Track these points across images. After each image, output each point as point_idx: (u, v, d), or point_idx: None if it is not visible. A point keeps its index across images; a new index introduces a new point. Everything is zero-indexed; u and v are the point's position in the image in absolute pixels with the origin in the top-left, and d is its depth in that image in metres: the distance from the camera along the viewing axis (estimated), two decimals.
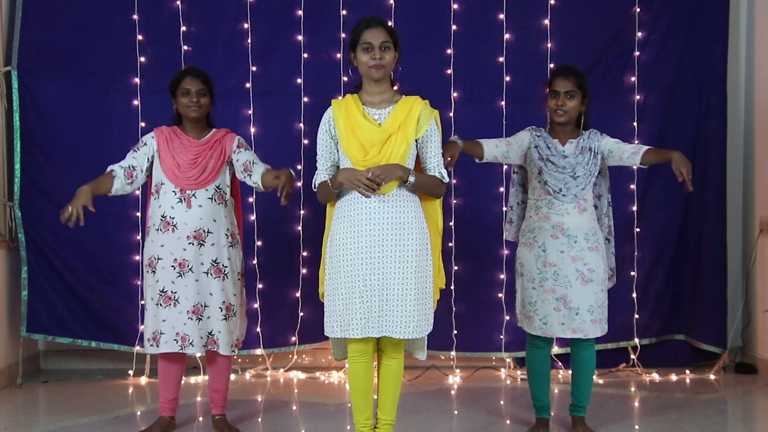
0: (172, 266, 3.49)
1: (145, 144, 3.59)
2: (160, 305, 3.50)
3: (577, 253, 3.47)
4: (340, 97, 3.34)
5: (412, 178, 3.03)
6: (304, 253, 4.74)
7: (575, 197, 3.47)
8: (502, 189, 4.76)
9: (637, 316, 4.82)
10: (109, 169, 3.57)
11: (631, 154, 3.48)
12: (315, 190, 3.19)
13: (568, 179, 3.48)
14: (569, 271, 3.47)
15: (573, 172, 3.48)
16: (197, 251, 3.49)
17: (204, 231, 3.50)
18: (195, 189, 3.50)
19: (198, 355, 3.58)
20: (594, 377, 4.31)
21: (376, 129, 3.06)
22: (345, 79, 4.67)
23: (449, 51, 4.76)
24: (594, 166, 3.50)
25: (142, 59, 4.67)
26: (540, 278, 3.51)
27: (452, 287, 4.74)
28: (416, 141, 3.11)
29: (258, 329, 4.73)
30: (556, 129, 3.57)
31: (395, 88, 3.20)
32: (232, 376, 4.74)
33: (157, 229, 3.52)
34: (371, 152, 3.03)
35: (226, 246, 3.54)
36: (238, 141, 3.63)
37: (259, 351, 4.77)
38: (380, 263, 3.02)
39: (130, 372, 4.72)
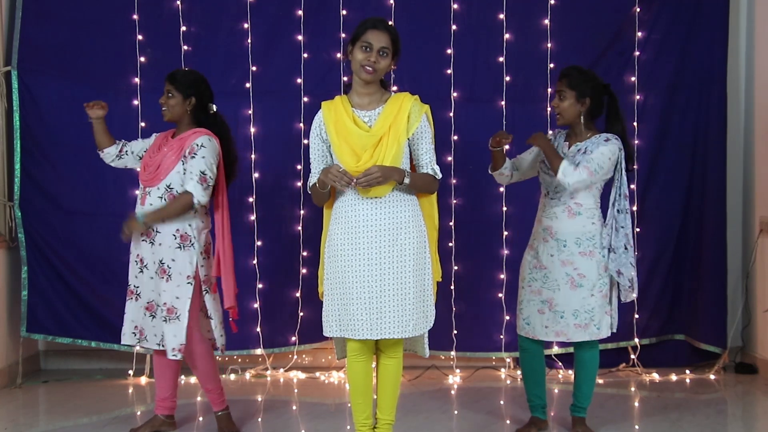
0: (135, 261, 3.56)
1: (149, 137, 3.75)
2: (127, 298, 3.58)
3: (567, 258, 3.46)
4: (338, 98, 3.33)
5: (407, 180, 3.04)
6: (304, 253, 4.74)
7: (565, 202, 3.46)
8: (502, 189, 4.76)
9: (637, 316, 4.82)
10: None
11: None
12: (310, 193, 3.20)
13: (557, 181, 3.47)
14: (559, 275, 3.47)
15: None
16: (150, 249, 3.50)
17: (153, 230, 3.48)
18: (149, 186, 3.52)
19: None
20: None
21: (366, 134, 3.04)
22: (345, 78, 4.66)
23: (449, 51, 4.75)
24: None
25: (142, 59, 4.67)
26: (530, 278, 3.55)
27: (452, 287, 4.74)
28: (408, 138, 3.10)
29: (258, 329, 4.73)
30: (568, 131, 3.59)
31: (394, 89, 3.20)
32: (232, 376, 4.75)
33: None
34: (364, 157, 3.03)
35: (172, 247, 3.47)
36: (192, 146, 3.47)
37: (259, 351, 4.77)
38: (378, 264, 3.02)
39: (130, 372, 4.73)
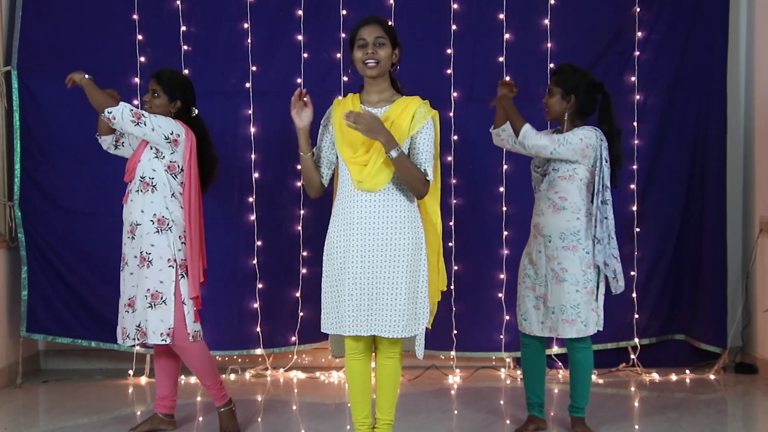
0: (119, 261, 3.57)
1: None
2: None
3: (552, 253, 3.49)
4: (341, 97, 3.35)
5: (394, 153, 2.95)
6: (304, 253, 4.74)
7: (548, 196, 3.50)
8: (502, 189, 4.76)
9: (637, 316, 4.82)
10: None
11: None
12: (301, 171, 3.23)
13: (539, 177, 3.56)
14: (546, 270, 3.51)
15: (542, 169, 3.55)
16: (131, 244, 3.51)
17: (134, 224, 3.49)
18: (128, 182, 3.54)
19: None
20: (594, 377, 4.31)
21: None
22: (345, 79, 4.67)
23: (449, 51, 4.75)
24: (557, 163, 3.47)
25: (142, 59, 4.67)
26: (524, 275, 3.61)
27: (452, 287, 4.73)
28: (409, 139, 3.08)
29: (258, 329, 4.73)
30: (558, 128, 3.62)
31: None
32: (232, 376, 4.75)
33: None
34: (360, 150, 3.04)
35: (150, 233, 3.45)
36: None
37: (259, 351, 4.77)
38: (371, 262, 3.03)
39: (130, 372, 4.73)
